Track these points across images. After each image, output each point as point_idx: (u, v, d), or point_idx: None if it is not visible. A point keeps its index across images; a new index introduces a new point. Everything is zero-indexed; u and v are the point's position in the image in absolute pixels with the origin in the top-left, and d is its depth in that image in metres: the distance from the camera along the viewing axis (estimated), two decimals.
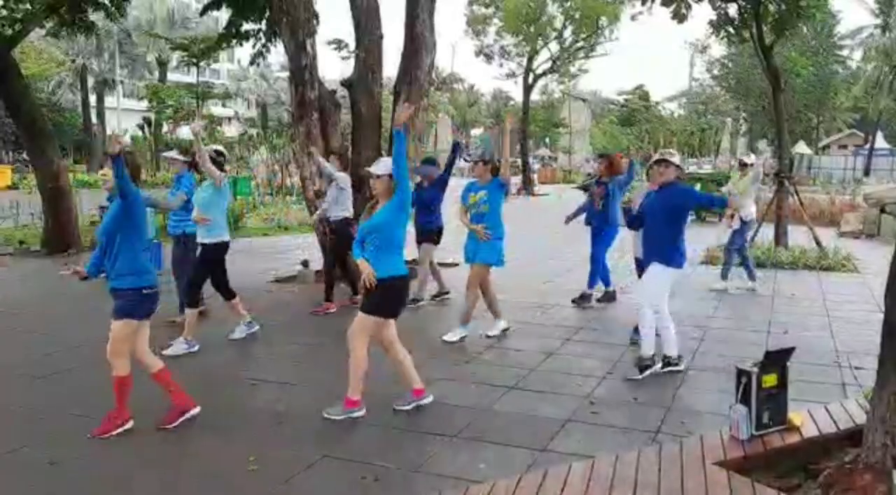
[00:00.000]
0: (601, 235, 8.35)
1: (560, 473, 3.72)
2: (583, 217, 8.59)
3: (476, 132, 80.00)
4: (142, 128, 44.61)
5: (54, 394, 5.25)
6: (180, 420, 4.63)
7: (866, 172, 37.92)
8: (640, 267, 6.32)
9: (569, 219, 8.66)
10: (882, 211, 15.53)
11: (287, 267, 10.72)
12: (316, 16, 9.69)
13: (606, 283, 8.52)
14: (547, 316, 7.87)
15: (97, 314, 7.96)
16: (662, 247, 5.67)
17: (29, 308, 8.36)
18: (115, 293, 4.49)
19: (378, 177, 4.81)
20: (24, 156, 32.79)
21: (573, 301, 8.37)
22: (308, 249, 10.89)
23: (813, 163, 39.67)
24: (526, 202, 28.28)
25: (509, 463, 4.06)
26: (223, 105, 47.01)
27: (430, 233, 8.27)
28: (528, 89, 35.91)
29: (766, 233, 12.44)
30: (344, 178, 8.10)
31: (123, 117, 43.95)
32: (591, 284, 8.43)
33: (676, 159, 5.83)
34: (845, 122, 51.53)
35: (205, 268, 6.65)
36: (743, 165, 10.08)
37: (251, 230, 16.04)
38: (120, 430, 4.46)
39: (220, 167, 6.77)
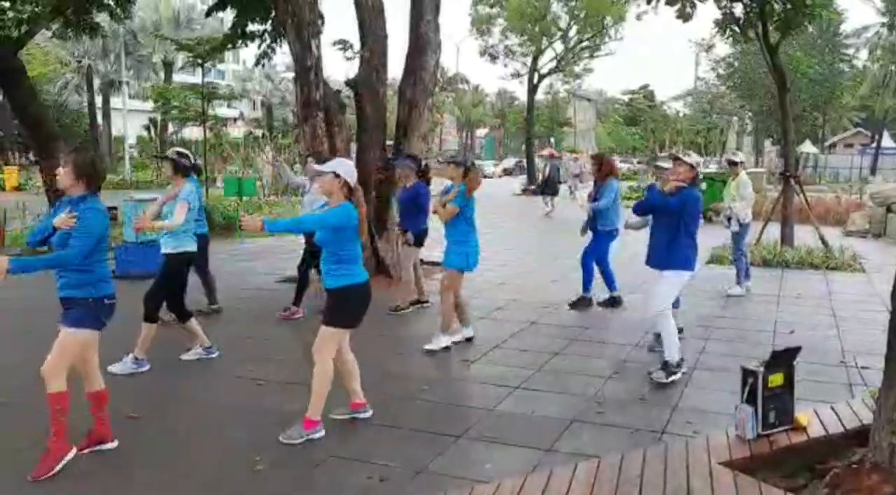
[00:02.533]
0: (597, 240, 8.11)
1: (565, 473, 3.72)
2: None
3: (481, 132, 80.00)
4: (147, 129, 44.77)
5: None
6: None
7: (872, 171, 37.81)
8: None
9: (584, 231, 8.40)
10: (888, 210, 15.47)
11: (292, 267, 10.73)
12: (321, 16, 9.70)
13: (586, 288, 8.20)
14: (553, 315, 7.86)
15: None
16: (676, 250, 5.54)
17: (36, 309, 8.39)
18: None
19: (321, 174, 4.51)
20: (31, 157, 32.94)
21: (599, 304, 8.21)
22: None
23: (819, 162, 39.60)
24: (532, 202, 28.26)
25: (514, 463, 4.07)
26: (228, 105, 47.06)
27: (414, 236, 7.95)
28: (532, 89, 35.91)
29: (773, 232, 12.42)
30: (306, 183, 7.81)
31: (129, 118, 44.04)
32: (611, 287, 8.23)
33: (691, 159, 5.66)
34: (851, 120, 51.40)
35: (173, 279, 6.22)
36: (732, 164, 9.41)
37: None
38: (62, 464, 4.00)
39: (186, 170, 6.29)
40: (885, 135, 45.53)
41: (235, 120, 55.45)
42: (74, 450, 4.07)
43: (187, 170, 6.27)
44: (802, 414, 4.22)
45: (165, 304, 6.14)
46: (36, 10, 12.33)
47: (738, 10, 12.42)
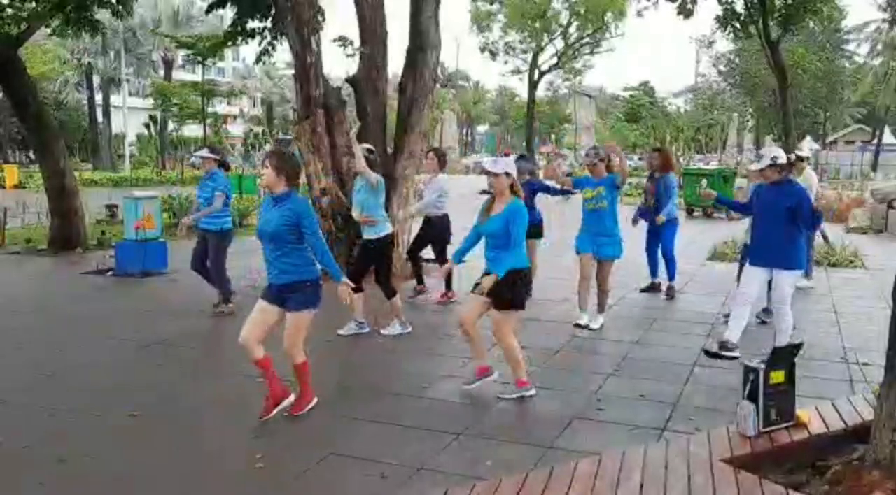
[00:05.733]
0: (664, 232, 8.45)
1: (567, 470, 3.71)
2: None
3: (482, 129, 79.98)
4: (147, 126, 44.76)
5: (63, 392, 5.26)
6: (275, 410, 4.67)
7: (874, 168, 37.78)
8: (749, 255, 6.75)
9: (635, 221, 8.67)
10: (890, 206, 15.44)
11: None
12: (321, 13, 9.67)
13: (653, 275, 8.65)
14: (552, 312, 7.84)
15: (104, 313, 8.00)
16: (785, 249, 5.67)
17: (37, 307, 8.39)
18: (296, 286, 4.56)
19: (496, 175, 4.81)
20: (31, 154, 32.93)
21: (650, 293, 8.61)
22: None
23: (820, 159, 39.57)
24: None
25: (516, 460, 4.06)
26: (228, 103, 47.03)
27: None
28: (533, 85, 35.91)
29: None
30: (443, 180, 8.22)
31: (129, 116, 44.02)
32: (671, 277, 8.54)
33: (781, 159, 5.77)
34: (852, 117, 51.34)
35: (367, 262, 6.85)
36: (799, 159, 9.07)
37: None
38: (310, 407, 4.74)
39: (372, 165, 6.77)
40: (887, 131, 45.49)
41: (235, 117, 55.45)
42: (316, 400, 4.76)
43: (374, 163, 6.85)
44: (804, 411, 4.21)
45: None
46: (37, 8, 12.29)
47: (739, 6, 12.42)
